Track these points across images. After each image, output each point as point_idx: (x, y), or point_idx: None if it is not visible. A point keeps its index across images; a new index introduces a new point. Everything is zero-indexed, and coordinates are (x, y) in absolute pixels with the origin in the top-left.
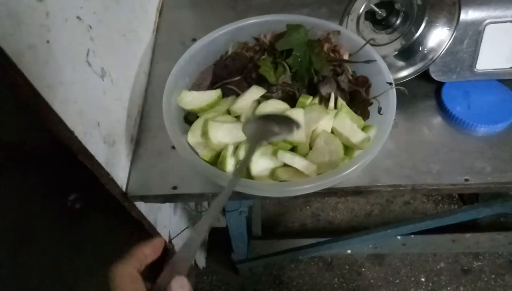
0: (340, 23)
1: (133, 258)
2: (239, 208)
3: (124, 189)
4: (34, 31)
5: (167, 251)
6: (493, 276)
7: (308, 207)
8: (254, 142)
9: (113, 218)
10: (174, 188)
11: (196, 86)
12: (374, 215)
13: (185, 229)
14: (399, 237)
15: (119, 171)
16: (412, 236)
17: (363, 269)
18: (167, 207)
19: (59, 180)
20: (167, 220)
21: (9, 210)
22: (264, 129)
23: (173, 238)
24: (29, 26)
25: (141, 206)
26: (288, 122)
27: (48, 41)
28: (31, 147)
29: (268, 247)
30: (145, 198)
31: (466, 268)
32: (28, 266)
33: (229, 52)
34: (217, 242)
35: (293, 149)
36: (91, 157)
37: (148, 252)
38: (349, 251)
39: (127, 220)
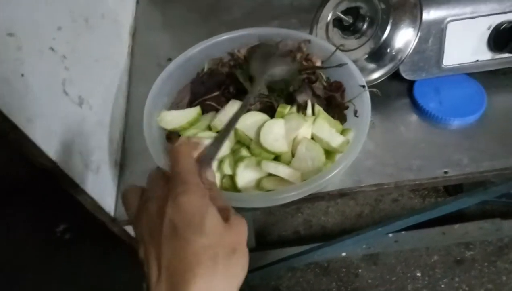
0: (310, 32)
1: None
2: None
3: (112, 214)
4: (7, 65)
5: None
6: (485, 264)
7: (299, 214)
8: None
9: (104, 244)
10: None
11: (175, 105)
12: (365, 215)
13: None
14: (390, 235)
15: (106, 196)
16: (403, 232)
17: (359, 270)
18: None
19: (46, 211)
20: None
21: None
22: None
23: None
24: (1, 61)
25: (131, 229)
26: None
27: (22, 75)
28: (15, 180)
29: (263, 257)
30: None
31: (459, 258)
32: None
33: (205, 69)
34: None
35: (276, 158)
36: (76, 186)
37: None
38: (344, 254)
39: (118, 245)
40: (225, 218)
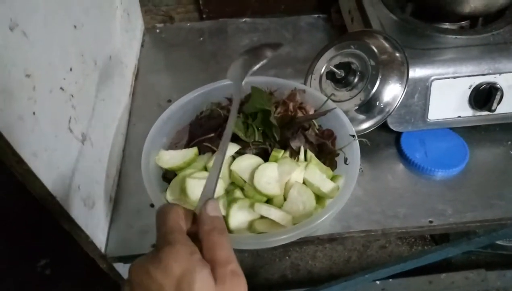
0: (305, 82)
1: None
2: None
3: (103, 250)
4: (22, 104)
5: None
6: None
7: (287, 257)
8: (246, 69)
9: (87, 281)
10: (153, 246)
11: (173, 145)
12: (352, 261)
13: None
14: (378, 282)
15: (98, 232)
16: (391, 280)
17: None
18: None
19: (29, 245)
20: None
21: None
22: (252, 55)
23: None
24: (18, 100)
25: (119, 266)
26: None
27: (34, 113)
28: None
29: None
30: (124, 259)
31: None
32: None
33: (204, 112)
34: None
35: (269, 201)
36: (71, 221)
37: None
38: None
39: (103, 282)
40: (222, 277)
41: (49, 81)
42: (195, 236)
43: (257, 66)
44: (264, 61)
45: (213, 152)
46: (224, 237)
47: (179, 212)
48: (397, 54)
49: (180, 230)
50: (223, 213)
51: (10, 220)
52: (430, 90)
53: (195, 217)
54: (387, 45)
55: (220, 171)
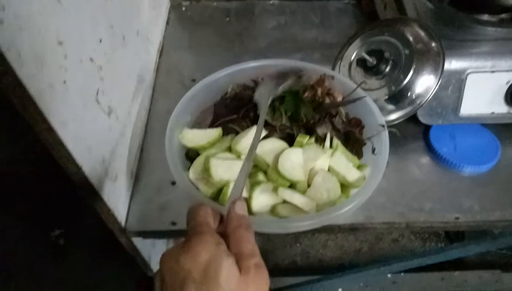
0: (333, 68)
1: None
2: None
3: (123, 224)
4: (54, 71)
5: None
6: None
7: (298, 244)
8: (272, 92)
9: (101, 254)
10: (174, 223)
11: (197, 124)
12: (363, 252)
13: None
14: (389, 275)
15: (120, 206)
16: (402, 274)
17: None
18: (161, 243)
19: (43, 214)
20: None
21: None
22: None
23: None
24: (49, 67)
25: (136, 242)
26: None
27: (64, 81)
28: (15, 180)
29: None
30: (143, 234)
31: None
32: None
33: (229, 93)
34: None
35: (292, 186)
36: (95, 192)
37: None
38: (340, 290)
39: (118, 256)
40: (246, 268)
41: (80, 50)
42: (222, 235)
43: (283, 85)
44: (289, 82)
45: (237, 133)
46: (250, 232)
47: (208, 210)
48: (433, 44)
49: (208, 224)
50: (245, 195)
51: (26, 189)
52: (465, 84)
53: (221, 219)
54: (422, 34)
55: (247, 176)
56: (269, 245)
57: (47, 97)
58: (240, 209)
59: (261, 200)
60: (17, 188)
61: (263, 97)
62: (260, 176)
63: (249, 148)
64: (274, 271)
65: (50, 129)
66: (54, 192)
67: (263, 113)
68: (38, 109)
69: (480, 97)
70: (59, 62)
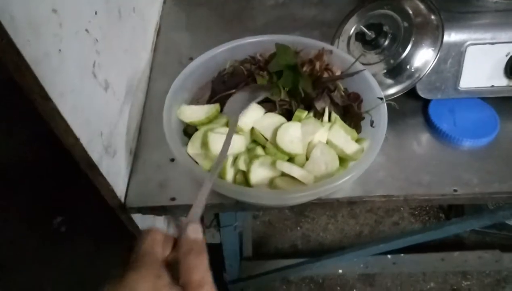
0: (332, 44)
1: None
2: (234, 222)
3: (122, 200)
4: (49, 40)
5: None
6: None
7: (298, 228)
8: (243, 106)
9: (103, 237)
10: (173, 199)
11: (195, 100)
12: (364, 235)
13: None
14: (389, 256)
15: (119, 182)
16: (402, 254)
17: (354, 290)
18: (161, 222)
19: (45, 201)
20: None
21: None
22: (249, 94)
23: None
24: (44, 35)
25: (137, 220)
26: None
27: (60, 50)
28: (14, 167)
29: (259, 268)
30: (143, 210)
31: (455, 287)
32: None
33: (227, 69)
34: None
35: (290, 160)
36: (94, 166)
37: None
38: (340, 271)
39: (120, 237)
40: None
41: (75, 20)
42: (176, 261)
43: (253, 102)
44: (260, 98)
45: None
46: (201, 258)
47: (157, 237)
48: (433, 17)
49: (151, 254)
50: (244, 168)
51: (27, 178)
52: (464, 56)
53: (176, 242)
54: (422, 7)
55: (208, 196)
56: (269, 229)
57: (43, 66)
58: (193, 232)
59: (260, 173)
60: (18, 177)
61: (234, 111)
62: (259, 150)
63: (214, 163)
64: (275, 254)
65: (48, 99)
66: (55, 180)
67: (232, 128)
68: (35, 77)
69: (480, 71)
70: (54, 30)
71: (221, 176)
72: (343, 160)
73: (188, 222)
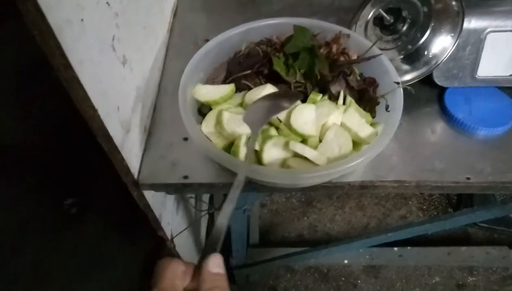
0: (349, 28)
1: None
2: (243, 205)
3: (135, 176)
4: (71, 7)
5: (169, 251)
6: None
7: (305, 218)
8: (262, 121)
9: (115, 221)
10: (185, 177)
11: (211, 80)
12: (371, 227)
13: (186, 228)
14: (395, 248)
15: (132, 158)
16: (409, 247)
17: (359, 281)
18: (171, 205)
19: (55, 183)
20: (170, 218)
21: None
22: (270, 105)
23: (174, 237)
24: (67, 1)
25: (148, 198)
26: (288, 96)
27: (82, 20)
28: (25, 149)
29: (265, 255)
30: (155, 187)
31: (460, 283)
32: (18, 272)
33: (243, 50)
34: None
35: (304, 142)
36: (109, 139)
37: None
38: (346, 261)
39: (130, 217)
40: None
41: None
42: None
43: (275, 116)
44: (283, 112)
45: (250, 89)
46: None
47: (176, 269)
48: (453, 3)
49: (174, 288)
50: (257, 148)
51: (37, 159)
52: (483, 44)
53: (196, 270)
54: None
55: (226, 227)
56: (276, 218)
57: (66, 33)
58: (215, 266)
59: (273, 153)
60: (31, 157)
61: (255, 123)
62: (273, 131)
63: (227, 198)
64: (281, 243)
65: (68, 67)
66: (67, 161)
67: (253, 142)
68: (58, 43)
69: (499, 59)
70: None
71: (234, 153)
72: (356, 143)
73: (209, 254)
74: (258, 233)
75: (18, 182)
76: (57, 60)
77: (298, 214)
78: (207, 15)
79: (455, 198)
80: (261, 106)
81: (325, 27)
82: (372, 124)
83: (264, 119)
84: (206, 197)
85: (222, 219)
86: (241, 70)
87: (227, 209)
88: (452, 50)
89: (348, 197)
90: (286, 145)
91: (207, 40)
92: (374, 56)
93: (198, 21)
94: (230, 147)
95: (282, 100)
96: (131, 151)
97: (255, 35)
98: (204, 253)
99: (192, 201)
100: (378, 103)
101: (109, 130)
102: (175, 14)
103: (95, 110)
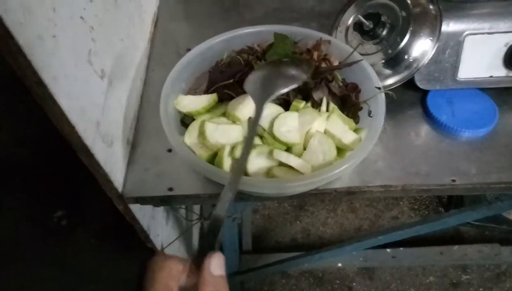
0: (330, 35)
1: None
2: (232, 214)
3: (120, 190)
4: (42, 23)
5: None
6: (481, 289)
7: (298, 222)
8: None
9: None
10: (170, 189)
11: (192, 90)
12: (363, 229)
13: (175, 239)
14: (388, 250)
15: (116, 172)
16: (401, 248)
17: (353, 284)
18: (160, 216)
19: (44, 195)
20: (160, 229)
21: None
22: (278, 74)
23: (165, 248)
24: (38, 18)
25: (135, 211)
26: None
27: (54, 36)
28: (14, 160)
29: (259, 261)
30: (141, 200)
31: (455, 281)
32: (8, 285)
33: (224, 59)
34: None
35: (288, 150)
36: (90, 155)
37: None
38: (339, 265)
39: (119, 228)
40: None
41: (69, 6)
42: (192, 287)
43: (285, 90)
44: (294, 85)
45: (232, 98)
46: None
47: (172, 269)
48: (431, 7)
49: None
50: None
51: (27, 171)
52: (462, 47)
53: (192, 267)
54: None
55: (225, 217)
56: (269, 223)
57: (37, 49)
58: (217, 267)
59: (257, 162)
60: (18, 170)
61: (257, 97)
62: (256, 140)
63: (231, 177)
64: (275, 248)
65: (41, 84)
66: (55, 174)
67: (256, 119)
68: (27, 60)
69: (478, 61)
70: (48, 14)
71: (217, 164)
72: (340, 149)
73: (210, 254)
74: (251, 239)
75: (6, 193)
76: (29, 77)
77: (290, 218)
78: (189, 23)
79: (446, 197)
80: (268, 73)
81: (306, 34)
82: (355, 130)
83: (271, 92)
84: (196, 207)
85: (220, 211)
86: (223, 79)
87: (226, 197)
88: (432, 54)
89: (339, 199)
90: (270, 154)
91: (189, 50)
92: (355, 62)
93: (179, 30)
94: (214, 157)
95: (294, 71)
96: (115, 164)
97: (237, 44)
98: (203, 247)
99: (183, 211)
100: (361, 108)
101: (89, 146)
102: (156, 24)
103: (72, 127)
